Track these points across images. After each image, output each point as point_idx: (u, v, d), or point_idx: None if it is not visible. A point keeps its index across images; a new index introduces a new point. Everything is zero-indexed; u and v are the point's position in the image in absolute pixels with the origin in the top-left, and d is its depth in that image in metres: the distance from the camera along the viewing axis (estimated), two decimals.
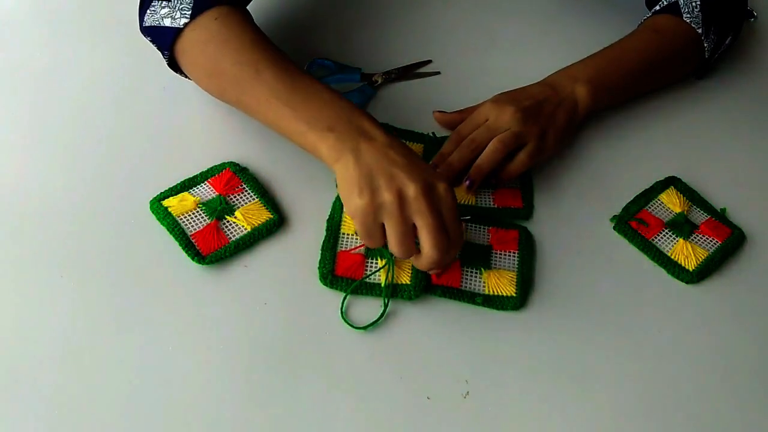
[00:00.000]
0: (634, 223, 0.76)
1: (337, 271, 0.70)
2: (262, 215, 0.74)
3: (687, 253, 0.74)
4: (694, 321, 0.70)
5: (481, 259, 0.72)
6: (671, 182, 0.80)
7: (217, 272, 0.70)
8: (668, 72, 0.88)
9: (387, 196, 0.62)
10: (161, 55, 0.78)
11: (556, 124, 0.79)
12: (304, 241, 0.73)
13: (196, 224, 0.72)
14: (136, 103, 0.84)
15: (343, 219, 0.74)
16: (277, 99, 0.70)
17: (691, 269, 0.73)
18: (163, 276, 0.70)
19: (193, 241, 0.71)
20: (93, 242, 0.72)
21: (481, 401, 0.64)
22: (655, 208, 0.78)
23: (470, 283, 0.70)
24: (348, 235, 0.73)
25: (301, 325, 0.68)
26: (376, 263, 0.71)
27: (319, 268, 0.70)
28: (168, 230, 0.71)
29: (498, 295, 0.70)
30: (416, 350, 0.67)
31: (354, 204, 0.63)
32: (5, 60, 0.88)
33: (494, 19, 0.97)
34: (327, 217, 0.74)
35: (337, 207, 0.75)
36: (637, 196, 0.78)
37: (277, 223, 0.73)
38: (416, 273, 0.70)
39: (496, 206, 0.76)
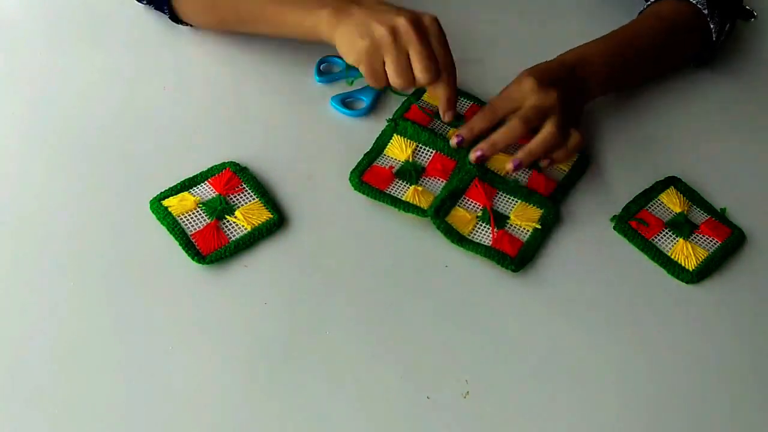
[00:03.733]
0: (634, 223, 0.76)
1: (365, 177, 0.76)
2: (262, 215, 0.74)
3: (687, 253, 0.74)
4: (694, 321, 0.70)
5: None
6: (671, 182, 0.80)
7: (217, 272, 0.70)
8: (673, 58, 0.88)
9: (381, 31, 0.70)
10: (163, 12, 0.86)
11: (576, 117, 0.79)
12: (304, 241, 0.73)
13: (196, 224, 0.72)
14: (136, 103, 0.84)
15: (391, 141, 0.79)
16: (270, 2, 0.78)
17: (691, 269, 0.73)
18: (163, 276, 0.70)
19: (193, 240, 0.71)
20: (93, 242, 0.72)
21: (481, 401, 0.64)
22: (655, 208, 0.78)
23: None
24: (387, 156, 0.79)
25: (301, 325, 0.68)
26: (402, 183, 0.76)
27: (351, 171, 0.77)
28: (168, 230, 0.71)
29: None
30: (416, 350, 0.67)
31: (356, 50, 0.72)
32: (5, 60, 0.88)
33: (501, 12, 0.97)
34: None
35: (387, 130, 0.80)
36: (637, 196, 0.78)
37: (277, 223, 0.73)
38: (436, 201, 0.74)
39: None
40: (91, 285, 0.69)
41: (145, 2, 0.88)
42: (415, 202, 0.74)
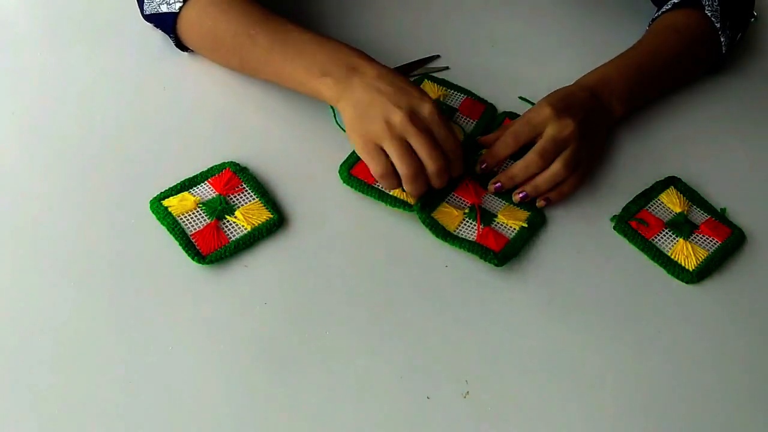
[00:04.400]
0: (634, 223, 0.76)
1: (353, 170, 0.77)
2: (262, 215, 0.74)
3: (687, 253, 0.74)
4: (694, 321, 0.70)
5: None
6: (671, 182, 0.80)
7: (217, 272, 0.70)
8: (689, 71, 0.88)
9: (377, 127, 0.70)
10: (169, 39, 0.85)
11: (600, 145, 0.81)
12: (304, 241, 0.73)
13: (196, 224, 0.72)
14: (136, 103, 0.84)
15: None
16: (274, 57, 0.78)
17: (691, 269, 0.73)
18: (163, 276, 0.70)
19: (193, 240, 0.71)
20: (93, 242, 0.72)
21: (481, 401, 0.64)
22: (655, 208, 0.78)
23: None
24: None
25: (301, 325, 0.68)
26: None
27: (341, 164, 0.77)
28: (168, 230, 0.71)
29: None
30: (416, 350, 0.67)
31: (355, 142, 0.72)
32: (5, 60, 0.88)
33: (502, 14, 0.97)
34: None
35: None
36: (637, 196, 0.78)
37: (277, 223, 0.73)
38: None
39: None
40: (91, 285, 0.69)
41: (152, 24, 0.87)
42: (402, 197, 0.75)
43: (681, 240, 0.75)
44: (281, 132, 0.82)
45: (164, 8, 0.82)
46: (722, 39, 0.85)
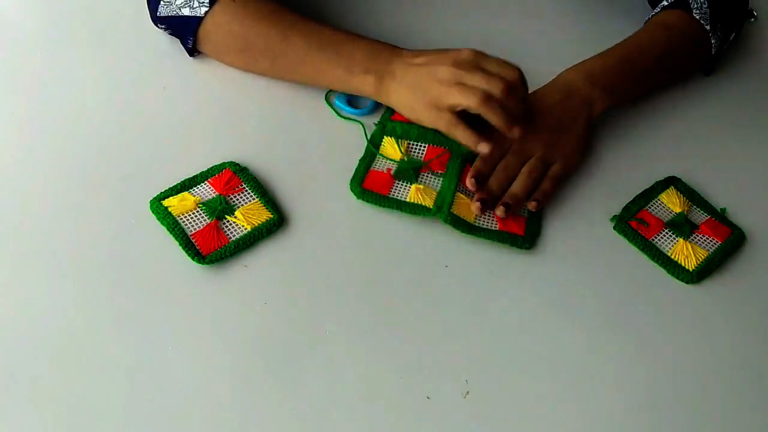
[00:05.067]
0: (634, 223, 0.76)
1: (365, 184, 0.76)
2: (262, 215, 0.74)
3: (687, 253, 0.74)
4: (694, 321, 0.70)
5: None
6: (671, 182, 0.80)
7: (217, 272, 0.70)
8: (678, 70, 0.88)
9: (434, 91, 0.72)
10: (181, 42, 0.84)
11: (578, 135, 0.80)
12: (304, 241, 0.73)
13: (196, 224, 0.72)
14: (136, 103, 0.84)
15: (382, 143, 0.80)
16: (312, 57, 0.79)
17: (691, 269, 0.73)
18: (163, 276, 0.70)
19: (193, 240, 0.71)
20: (93, 242, 0.72)
21: (481, 401, 0.64)
22: (655, 208, 0.78)
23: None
24: (382, 158, 0.79)
25: (301, 325, 0.68)
26: (402, 184, 0.77)
27: (351, 180, 0.77)
28: (168, 230, 0.71)
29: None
30: (416, 350, 0.67)
31: (429, 120, 0.74)
32: (5, 60, 0.88)
33: (502, 14, 0.97)
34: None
35: (377, 133, 0.80)
36: (637, 196, 0.78)
37: (277, 223, 0.73)
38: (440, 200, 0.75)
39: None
40: (91, 285, 0.69)
41: (163, 27, 0.85)
42: (419, 202, 0.74)
43: (681, 240, 0.75)
44: (281, 132, 0.82)
45: (186, 12, 0.81)
46: (713, 41, 0.85)
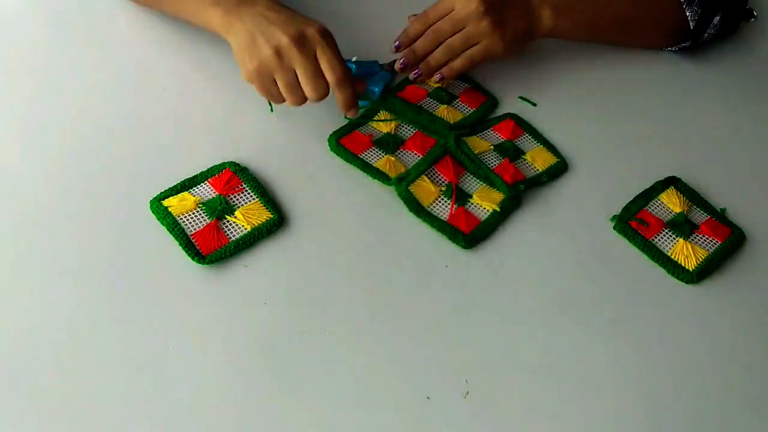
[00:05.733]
0: (634, 223, 0.76)
1: (343, 140, 0.79)
2: (262, 215, 0.74)
3: (687, 253, 0.74)
4: (694, 321, 0.70)
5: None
6: (671, 182, 0.80)
7: (217, 272, 0.70)
8: (643, 31, 0.89)
9: (266, 53, 0.71)
10: None
11: (513, 28, 0.81)
12: (304, 241, 0.73)
13: (196, 224, 0.72)
14: (136, 103, 0.84)
15: (378, 114, 0.82)
16: None
17: (691, 269, 0.73)
18: (163, 276, 0.70)
19: (193, 240, 0.71)
20: (93, 242, 0.72)
21: (481, 401, 0.64)
22: (655, 208, 0.78)
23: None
24: (371, 126, 0.81)
25: (301, 325, 0.68)
26: (378, 151, 0.79)
27: (332, 133, 0.79)
28: (168, 230, 0.71)
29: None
30: (416, 350, 0.67)
31: (246, 71, 0.73)
32: (5, 60, 0.88)
33: None
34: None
35: (379, 102, 0.83)
36: (637, 196, 0.78)
37: (277, 223, 0.73)
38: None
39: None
40: (91, 285, 0.69)
41: None
42: (384, 170, 0.77)
43: (681, 240, 0.75)
44: (281, 132, 0.82)
45: None
46: (688, 13, 0.86)
